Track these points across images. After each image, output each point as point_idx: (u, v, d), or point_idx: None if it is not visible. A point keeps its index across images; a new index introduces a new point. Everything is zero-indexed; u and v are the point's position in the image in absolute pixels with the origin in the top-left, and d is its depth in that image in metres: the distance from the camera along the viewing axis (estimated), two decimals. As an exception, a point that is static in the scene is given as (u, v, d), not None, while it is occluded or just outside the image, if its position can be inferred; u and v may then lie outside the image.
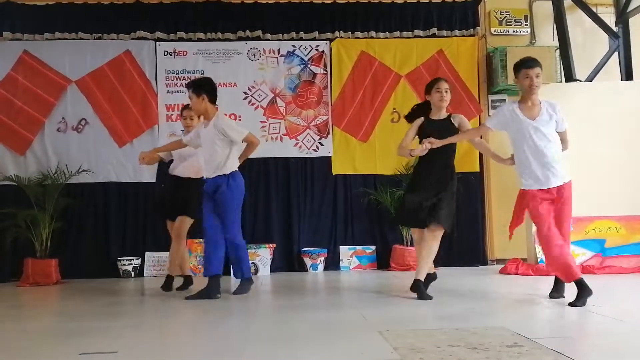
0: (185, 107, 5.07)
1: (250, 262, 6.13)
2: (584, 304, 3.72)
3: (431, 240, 4.26)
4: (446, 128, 4.36)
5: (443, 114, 4.45)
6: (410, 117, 4.56)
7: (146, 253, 6.35)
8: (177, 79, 6.62)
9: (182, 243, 5.06)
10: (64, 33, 6.59)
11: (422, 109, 4.51)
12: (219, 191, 4.48)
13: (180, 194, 4.98)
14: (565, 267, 3.85)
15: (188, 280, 5.10)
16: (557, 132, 4.04)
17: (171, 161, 5.15)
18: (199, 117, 4.86)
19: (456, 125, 4.40)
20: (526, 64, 4.00)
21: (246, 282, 4.66)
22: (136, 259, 6.28)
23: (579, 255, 5.82)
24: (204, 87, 4.56)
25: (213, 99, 4.61)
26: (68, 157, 6.38)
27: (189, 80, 4.83)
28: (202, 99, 4.53)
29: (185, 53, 6.70)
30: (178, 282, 5.03)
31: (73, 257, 6.24)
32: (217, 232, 4.53)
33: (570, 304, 3.75)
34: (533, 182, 3.98)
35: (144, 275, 6.28)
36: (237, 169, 4.59)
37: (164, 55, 6.67)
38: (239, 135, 4.56)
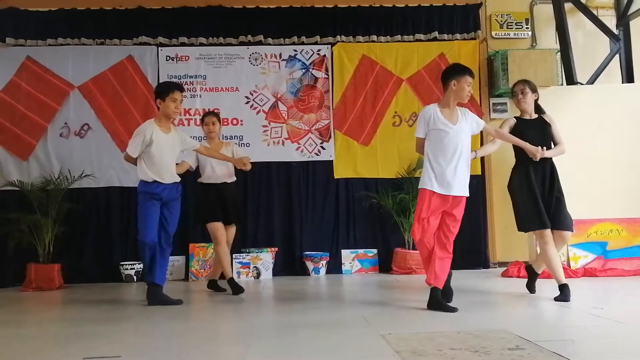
0: (208, 113, 5.38)
1: (252, 265, 6.20)
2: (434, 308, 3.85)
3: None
4: (542, 127, 4.48)
5: (534, 114, 4.58)
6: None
7: (148, 257, 6.36)
8: (179, 84, 6.65)
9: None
10: (67, 39, 6.61)
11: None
12: (176, 198, 4.57)
13: (228, 199, 5.16)
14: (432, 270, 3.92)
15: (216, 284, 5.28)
16: (481, 131, 4.18)
17: (197, 169, 5.19)
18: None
19: (549, 122, 4.53)
20: (471, 73, 4.07)
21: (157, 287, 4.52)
22: (138, 264, 6.27)
23: (581, 258, 5.84)
24: None
25: None
26: (71, 162, 6.40)
27: (180, 85, 4.87)
28: None
29: (187, 58, 6.72)
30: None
31: (76, 262, 6.25)
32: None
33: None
34: (437, 185, 3.95)
35: (147, 279, 6.29)
36: None
37: (166, 60, 6.70)
38: (195, 144, 4.86)
